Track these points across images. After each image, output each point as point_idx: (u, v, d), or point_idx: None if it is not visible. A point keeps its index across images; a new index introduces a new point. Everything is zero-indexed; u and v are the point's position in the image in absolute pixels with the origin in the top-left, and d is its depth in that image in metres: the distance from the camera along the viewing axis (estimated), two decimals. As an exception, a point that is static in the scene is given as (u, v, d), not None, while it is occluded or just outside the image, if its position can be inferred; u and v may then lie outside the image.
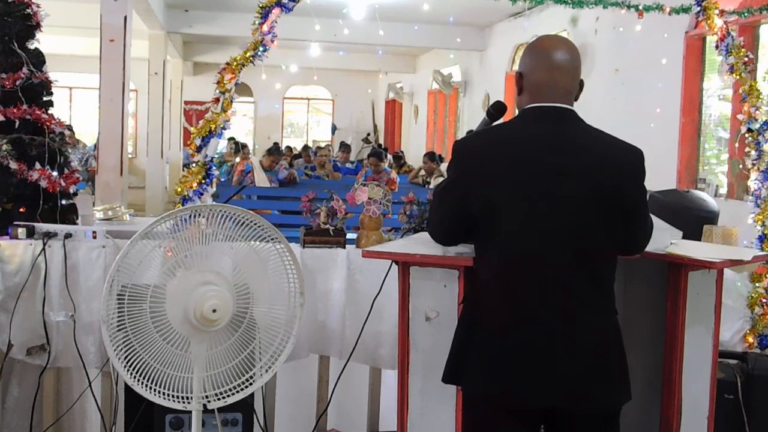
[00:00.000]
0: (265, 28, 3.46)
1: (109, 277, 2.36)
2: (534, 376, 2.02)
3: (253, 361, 2.52)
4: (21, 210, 3.38)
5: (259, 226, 2.47)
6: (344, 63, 16.47)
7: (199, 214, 2.46)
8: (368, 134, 20.32)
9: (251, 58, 3.45)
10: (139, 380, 2.41)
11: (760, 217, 3.71)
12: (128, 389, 2.48)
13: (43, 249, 3.15)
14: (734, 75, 3.83)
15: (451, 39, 13.00)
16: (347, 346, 3.32)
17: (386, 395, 3.52)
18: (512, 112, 2.28)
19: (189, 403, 2.45)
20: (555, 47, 2.15)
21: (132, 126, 16.09)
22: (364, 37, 12.12)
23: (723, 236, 3.50)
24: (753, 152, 3.78)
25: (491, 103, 2.53)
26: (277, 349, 2.53)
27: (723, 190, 7.28)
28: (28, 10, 3.50)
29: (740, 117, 3.84)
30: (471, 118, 14.05)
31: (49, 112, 3.55)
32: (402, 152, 15.32)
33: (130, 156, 13.83)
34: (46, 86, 3.56)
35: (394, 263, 2.48)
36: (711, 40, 4.05)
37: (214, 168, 3.46)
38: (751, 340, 3.63)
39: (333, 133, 20.61)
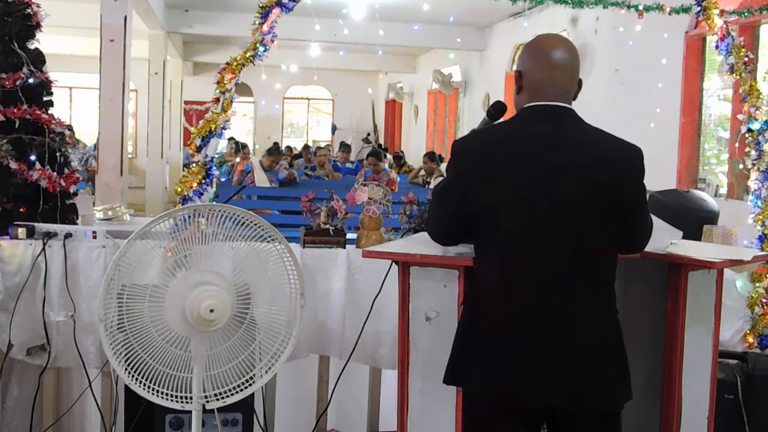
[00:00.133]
0: (265, 28, 3.46)
1: (106, 277, 2.36)
2: (534, 376, 2.01)
3: (253, 361, 2.52)
4: (21, 210, 3.38)
5: (258, 227, 2.47)
6: (344, 63, 16.46)
7: (200, 214, 2.46)
8: (368, 134, 20.31)
9: (251, 58, 3.45)
10: (138, 380, 2.41)
11: (760, 217, 3.71)
12: (128, 389, 2.48)
13: (43, 249, 3.15)
14: (734, 75, 3.83)
15: (451, 39, 12.99)
16: (347, 346, 3.32)
17: (386, 395, 3.52)
18: (512, 112, 2.27)
19: (188, 403, 2.45)
20: (554, 46, 2.15)
21: (132, 126, 16.09)
22: (364, 37, 12.11)
23: (723, 236, 3.50)
24: (753, 152, 3.78)
25: (491, 103, 2.53)
26: (278, 350, 2.53)
27: (723, 190, 7.28)
28: (28, 10, 3.51)
29: (740, 117, 3.84)
30: (471, 118, 14.05)
31: (49, 112, 3.55)
32: (402, 152, 15.33)
33: (130, 156, 13.82)
34: (46, 86, 3.56)
35: (394, 263, 2.48)
36: (711, 40, 4.05)
37: (214, 168, 3.46)
38: (751, 340, 3.63)
39: (333, 133, 20.61)
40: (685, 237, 2.88)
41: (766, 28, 6.93)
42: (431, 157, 10.96)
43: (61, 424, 3.33)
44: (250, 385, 2.53)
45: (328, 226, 3.44)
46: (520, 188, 2.04)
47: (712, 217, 3.71)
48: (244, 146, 12.12)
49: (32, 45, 3.56)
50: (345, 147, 14.22)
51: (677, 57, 7.69)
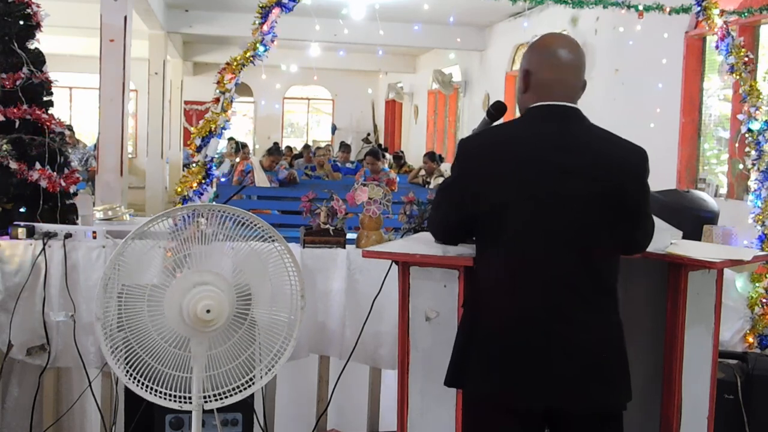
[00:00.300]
0: (265, 28, 3.46)
1: (104, 276, 2.36)
2: (532, 375, 2.02)
3: (253, 362, 2.52)
4: (21, 210, 3.38)
5: (258, 227, 2.47)
6: (344, 63, 16.46)
7: (199, 214, 2.46)
8: (368, 134, 20.31)
9: (251, 58, 3.45)
10: (138, 380, 2.41)
11: (760, 217, 3.71)
12: (128, 389, 2.48)
13: (43, 249, 3.15)
14: (734, 75, 3.83)
15: (451, 39, 12.99)
16: (347, 346, 3.32)
17: (386, 395, 3.52)
18: (512, 111, 2.27)
19: (187, 403, 2.45)
20: (561, 46, 2.15)
21: (132, 126, 16.09)
22: (364, 37, 12.11)
23: (723, 236, 3.50)
24: (753, 152, 3.78)
25: (491, 103, 2.53)
26: (278, 351, 2.53)
27: (723, 190, 7.28)
28: (28, 10, 3.51)
29: (740, 117, 3.84)
30: (471, 118, 14.05)
31: (49, 112, 3.55)
32: (402, 152, 15.33)
33: (130, 156, 13.84)
34: (46, 86, 3.56)
35: (394, 263, 2.48)
36: (711, 40, 4.05)
37: (214, 168, 3.46)
38: (751, 340, 3.63)
39: (333, 133, 20.61)
40: (685, 237, 2.88)
41: (766, 28, 6.93)
42: (431, 157, 10.96)
43: (61, 424, 3.33)
44: (250, 385, 2.53)
45: (328, 226, 3.44)
46: (526, 188, 2.03)
47: (712, 217, 3.71)
48: (244, 146, 12.12)
49: (32, 45, 3.56)
50: (345, 147, 14.22)
51: (677, 57, 7.69)
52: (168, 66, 13.61)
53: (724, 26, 3.83)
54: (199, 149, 3.40)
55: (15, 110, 3.40)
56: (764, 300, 3.65)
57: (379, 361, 3.43)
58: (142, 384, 2.43)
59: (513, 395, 2.04)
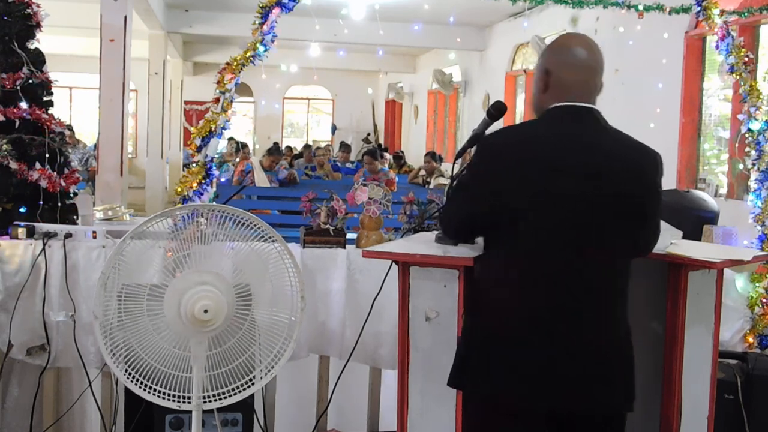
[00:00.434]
0: (265, 28, 3.46)
1: (102, 275, 2.36)
2: (536, 376, 2.01)
3: (253, 363, 2.52)
4: (21, 210, 3.38)
5: (257, 227, 2.47)
6: (344, 63, 16.45)
7: (199, 214, 2.46)
8: (368, 134, 20.31)
9: (251, 58, 3.45)
10: (137, 380, 2.42)
11: (760, 217, 3.71)
12: (128, 389, 2.48)
13: (43, 249, 3.15)
14: (734, 75, 3.83)
15: (451, 39, 12.99)
16: (347, 346, 3.32)
17: (386, 395, 3.51)
18: (512, 111, 2.27)
19: (186, 403, 2.45)
20: (582, 46, 2.15)
21: (132, 126, 16.09)
22: (364, 37, 12.12)
23: (723, 236, 3.50)
24: (753, 152, 3.78)
25: (491, 103, 2.53)
26: (278, 353, 2.53)
27: (723, 190, 7.28)
28: (28, 10, 3.51)
29: (740, 117, 3.84)
30: (471, 118, 14.05)
31: (49, 112, 3.55)
32: (402, 152, 15.33)
33: (130, 156, 13.83)
34: (46, 86, 3.56)
35: (394, 263, 2.48)
36: (711, 40, 4.05)
37: (214, 168, 3.46)
38: (751, 340, 3.63)
39: (333, 133, 20.61)
40: (685, 237, 2.88)
41: (766, 28, 6.92)
42: (433, 156, 10.96)
43: (61, 424, 3.33)
44: (250, 386, 2.53)
45: (328, 226, 3.44)
46: (545, 190, 2.02)
47: (712, 217, 3.71)
48: (245, 146, 12.13)
49: (32, 45, 3.56)
50: (345, 147, 14.21)
51: (677, 57, 7.69)
52: (168, 66, 13.61)
53: (724, 26, 3.83)
54: (199, 149, 3.40)
55: (15, 110, 3.40)
56: (764, 300, 3.64)
57: (379, 361, 3.43)
58: (142, 384, 2.43)
59: (517, 396, 2.03)
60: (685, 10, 4.56)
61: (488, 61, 13.54)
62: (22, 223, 3.23)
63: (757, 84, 3.80)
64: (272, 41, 3.49)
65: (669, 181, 7.43)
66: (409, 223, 3.52)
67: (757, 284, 3.67)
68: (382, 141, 20.07)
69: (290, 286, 2.52)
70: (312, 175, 10.99)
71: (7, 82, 3.42)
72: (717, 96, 7.65)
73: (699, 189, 7.01)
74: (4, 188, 3.37)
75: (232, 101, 3.45)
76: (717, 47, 3.88)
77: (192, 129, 4.08)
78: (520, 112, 12.39)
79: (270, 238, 2.48)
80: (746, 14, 5.33)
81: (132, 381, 2.43)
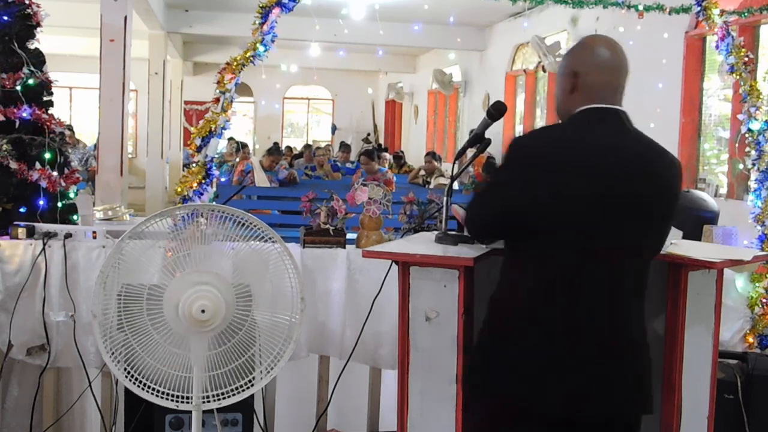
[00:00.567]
0: (265, 28, 3.46)
1: (100, 274, 2.36)
2: (566, 382, 2.01)
3: (253, 363, 2.52)
4: (21, 210, 3.38)
5: (256, 227, 2.47)
6: (344, 63, 16.46)
7: (199, 214, 2.46)
8: (368, 134, 20.32)
9: (251, 58, 3.45)
10: (137, 379, 2.42)
11: (760, 217, 3.71)
12: (128, 389, 2.48)
13: (43, 249, 3.15)
14: (734, 75, 3.83)
15: (451, 39, 13.00)
16: (347, 346, 3.32)
17: (386, 395, 3.52)
18: (512, 111, 2.27)
19: (186, 403, 2.45)
20: (609, 48, 2.15)
21: (132, 126, 16.09)
22: (364, 37, 12.12)
23: (723, 236, 3.50)
24: (753, 152, 3.78)
25: (491, 103, 2.53)
26: (278, 353, 2.53)
27: (723, 190, 7.28)
28: (28, 10, 3.51)
29: (740, 117, 3.84)
30: (471, 118, 14.06)
31: (49, 112, 3.55)
32: (402, 152, 15.33)
33: (130, 156, 13.83)
34: (46, 86, 3.56)
35: (394, 263, 2.48)
36: (711, 40, 4.05)
37: (214, 168, 3.46)
38: (751, 340, 3.63)
39: (333, 133, 20.62)
40: (685, 237, 2.88)
41: (766, 28, 6.93)
42: (434, 156, 10.96)
43: (61, 424, 3.33)
44: (250, 386, 2.53)
45: (328, 226, 3.44)
46: (581, 192, 2.01)
47: (712, 217, 3.71)
48: (245, 146, 12.15)
49: (32, 45, 3.56)
50: (345, 147, 14.22)
51: (677, 57, 7.69)
52: (168, 66, 13.61)
53: (724, 26, 3.83)
54: (199, 149, 3.40)
55: (15, 110, 3.40)
56: (764, 300, 3.65)
57: (379, 361, 3.43)
58: (142, 384, 2.43)
59: (546, 403, 2.02)
60: (685, 10, 4.56)
61: (488, 61, 13.54)
62: (22, 223, 3.23)
63: (757, 84, 3.81)
64: (272, 41, 3.49)
65: (669, 181, 7.45)
66: (409, 223, 3.52)
67: (757, 284, 3.67)
68: (382, 141, 20.07)
69: (290, 287, 2.52)
70: (312, 175, 10.99)
71: (7, 82, 3.42)
72: (717, 96, 7.65)
73: (699, 189, 7.01)
74: (4, 188, 3.37)
75: (232, 101, 3.45)
76: (717, 47, 3.88)
77: (192, 129, 4.08)
78: (520, 112, 12.39)
79: (270, 239, 2.48)
80: (746, 14, 5.34)
81: (132, 381, 2.43)
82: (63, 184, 3.48)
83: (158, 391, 2.44)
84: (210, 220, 2.45)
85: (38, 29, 3.57)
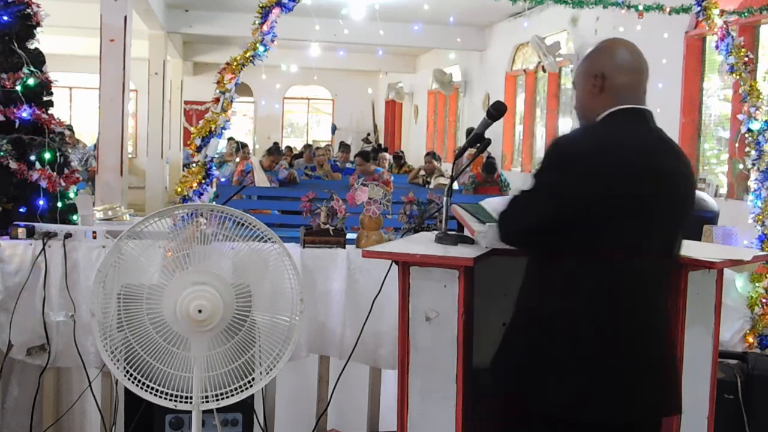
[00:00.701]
0: (265, 28, 3.46)
1: (100, 272, 2.36)
2: (621, 389, 2.02)
3: (253, 363, 2.52)
4: (21, 210, 3.38)
5: (254, 227, 2.47)
6: (344, 63, 16.46)
7: (199, 214, 2.46)
8: (368, 134, 20.32)
9: (251, 58, 3.45)
10: (136, 378, 2.42)
11: (760, 217, 3.71)
12: (128, 389, 2.48)
13: (43, 249, 3.15)
14: (734, 75, 3.83)
15: (451, 39, 13.00)
16: (347, 346, 3.32)
17: (386, 395, 3.51)
18: (512, 112, 2.27)
19: (186, 403, 2.45)
20: (632, 50, 2.17)
21: (132, 126, 16.09)
22: (364, 37, 12.12)
23: (723, 236, 3.50)
24: (753, 152, 3.78)
25: (491, 103, 2.53)
26: (278, 354, 2.53)
27: (723, 190, 7.28)
28: (28, 10, 3.51)
29: (740, 117, 3.84)
30: (471, 118, 14.06)
31: (49, 112, 3.55)
32: (402, 152, 15.33)
33: (130, 156, 13.82)
34: (46, 86, 3.56)
35: (394, 263, 2.48)
36: (711, 40, 4.04)
37: (214, 168, 3.46)
38: (751, 340, 3.63)
39: (333, 133, 20.62)
40: (685, 237, 2.88)
41: (766, 28, 6.93)
42: (434, 156, 10.96)
43: (61, 424, 3.32)
44: (250, 386, 2.53)
45: (328, 226, 3.44)
46: (628, 193, 2.01)
47: (712, 217, 3.71)
48: (245, 146, 12.17)
49: (32, 45, 3.56)
50: (344, 147, 14.21)
51: (677, 57, 7.69)
52: (168, 66, 13.61)
53: (724, 26, 3.83)
54: (199, 149, 3.40)
55: (15, 110, 3.40)
56: (764, 300, 3.64)
57: (379, 361, 3.43)
58: (141, 383, 2.43)
59: (600, 411, 2.02)
60: (685, 10, 4.56)
61: (488, 61, 13.54)
62: (22, 223, 3.23)
63: (757, 84, 3.81)
64: (272, 41, 3.49)
65: (669, 181, 7.45)
66: (409, 223, 3.52)
67: (757, 284, 3.67)
68: (382, 141, 20.07)
69: (290, 288, 2.52)
70: (312, 175, 10.99)
71: (7, 82, 3.42)
72: (717, 96, 7.65)
73: (699, 189, 6.99)
74: (4, 188, 3.37)
75: (232, 101, 3.45)
76: (717, 47, 3.88)
77: (192, 129, 4.08)
78: (520, 112, 12.39)
79: (269, 239, 2.48)
80: (746, 14, 5.34)
81: (131, 381, 2.43)
82: (63, 184, 3.48)
83: (158, 391, 2.44)
84: (209, 220, 2.45)
85: (38, 29, 3.57)
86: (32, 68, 3.48)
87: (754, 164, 3.77)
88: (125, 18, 7.31)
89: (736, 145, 5.90)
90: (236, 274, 2.49)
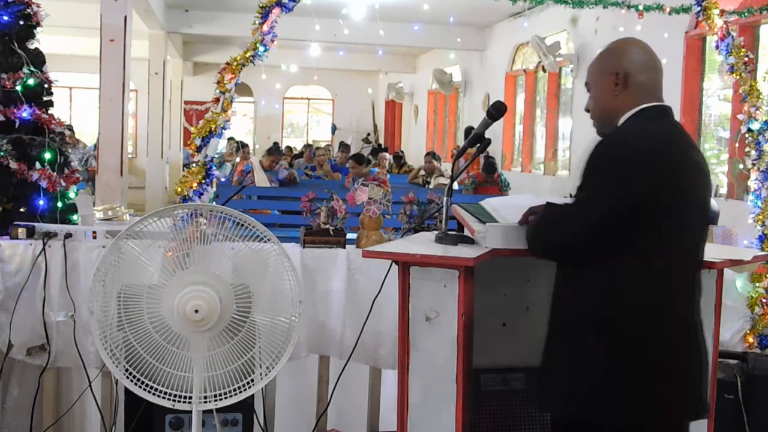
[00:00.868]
0: (265, 28, 3.46)
1: (98, 271, 2.36)
2: (679, 394, 2.03)
3: (253, 364, 2.52)
4: (21, 210, 3.38)
5: (253, 228, 2.47)
6: (344, 63, 16.47)
7: (201, 214, 2.46)
8: (368, 134, 20.32)
9: (251, 58, 3.45)
10: (136, 378, 2.42)
11: (760, 217, 3.71)
12: (129, 389, 2.48)
13: (43, 249, 3.15)
14: (734, 75, 3.82)
15: (451, 39, 13.00)
16: (347, 346, 3.32)
17: (386, 395, 3.51)
18: (512, 112, 2.27)
19: (186, 403, 2.45)
20: (647, 49, 2.18)
21: (132, 126, 16.09)
22: (364, 37, 12.12)
23: (723, 236, 3.50)
24: (753, 152, 3.78)
25: (491, 103, 2.53)
26: (277, 355, 2.53)
27: (723, 190, 7.28)
28: (28, 10, 3.51)
29: (740, 117, 3.84)
30: (471, 118, 14.06)
31: (49, 112, 3.55)
32: (402, 152, 15.34)
33: (130, 156, 13.82)
34: (46, 86, 3.56)
35: (394, 263, 2.48)
36: (711, 40, 4.05)
37: (214, 168, 3.46)
38: (751, 340, 3.63)
39: (333, 133, 20.62)
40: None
41: (766, 28, 6.93)
42: (434, 156, 10.96)
43: (61, 424, 3.32)
44: (250, 387, 2.52)
45: (328, 226, 3.44)
46: (677, 190, 2.01)
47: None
48: (245, 146, 12.17)
49: (32, 45, 3.56)
50: (344, 147, 14.20)
51: (677, 57, 7.69)
52: (168, 66, 13.61)
53: (724, 26, 3.83)
54: (199, 149, 3.40)
55: (15, 110, 3.40)
56: (764, 300, 3.64)
57: (379, 361, 3.43)
58: (141, 383, 2.43)
59: (675, 414, 2.04)
60: (685, 10, 4.56)
61: (488, 61, 13.54)
62: (22, 223, 3.23)
63: (757, 84, 3.81)
64: (272, 41, 3.48)
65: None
66: (409, 223, 3.52)
67: (757, 284, 3.67)
68: (382, 141, 20.07)
69: (290, 289, 2.52)
70: (312, 175, 10.99)
71: (7, 82, 3.42)
72: (717, 96, 7.66)
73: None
74: (4, 188, 3.37)
75: (232, 101, 3.45)
76: (717, 47, 3.88)
77: (192, 129, 4.08)
78: (520, 112, 12.39)
79: (268, 240, 2.48)
80: (746, 14, 5.34)
81: (131, 381, 2.43)
82: (63, 184, 3.48)
83: (158, 391, 2.44)
84: (210, 221, 2.45)
85: (38, 29, 3.56)
86: (32, 68, 3.48)
87: (754, 164, 3.77)
88: (125, 18, 7.32)
89: (736, 145, 5.90)
90: (236, 274, 2.49)
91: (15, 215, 3.35)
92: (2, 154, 3.34)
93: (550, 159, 11.31)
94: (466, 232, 2.57)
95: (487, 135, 2.55)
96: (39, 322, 3.14)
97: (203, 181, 3.39)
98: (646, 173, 1.97)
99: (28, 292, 3.14)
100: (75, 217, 3.48)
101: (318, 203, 3.49)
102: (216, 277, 2.42)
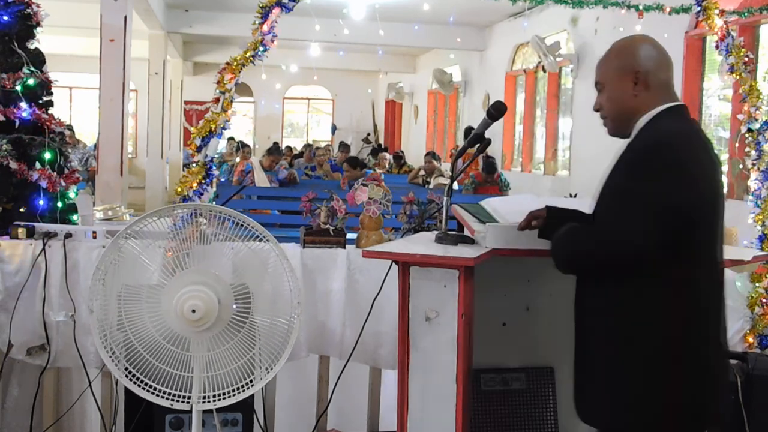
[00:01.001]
0: (265, 28, 3.45)
1: (98, 270, 2.36)
2: (707, 405, 2.01)
3: (253, 364, 2.52)
4: (21, 210, 3.38)
5: (251, 228, 2.47)
6: (344, 63, 16.48)
7: (201, 214, 2.46)
8: (368, 134, 20.32)
9: (251, 58, 3.45)
10: (136, 377, 2.42)
11: (760, 217, 3.71)
12: (128, 389, 2.48)
13: (43, 249, 3.15)
14: (734, 75, 3.82)
15: (451, 39, 13.01)
16: (347, 346, 3.32)
17: (386, 395, 3.51)
18: (512, 112, 2.27)
19: (186, 402, 2.45)
20: (661, 45, 2.15)
21: (132, 126, 16.10)
22: (364, 37, 12.13)
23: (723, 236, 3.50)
24: (753, 152, 3.77)
25: (491, 103, 2.53)
26: (276, 355, 2.53)
27: (723, 190, 7.27)
28: (28, 10, 3.51)
29: (740, 117, 3.84)
30: (471, 118, 14.06)
31: (49, 112, 3.55)
32: (402, 152, 15.35)
33: (130, 156, 13.83)
34: (46, 86, 3.56)
35: (394, 263, 2.48)
36: (711, 40, 4.04)
37: (214, 168, 3.46)
38: (751, 340, 3.63)
39: (333, 133, 20.62)
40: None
41: (766, 28, 6.93)
42: (434, 156, 10.96)
43: (61, 424, 3.32)
44: (250, 387, 2.52)
45: (328, 226, 3.44)
46: (715, 194, 2.00)
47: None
48: (245, 146, 12.17)
49: (32, 45, 3.56)
50: (344, 147, 14.21)
51: (677, 57, 7.69)
52: (168, 66, 13.62)
53: (724, 26, 3.83)
54: (199, 149, 3.40)
55: (15, 110, 3.40)
56: (764, 300, 3.64)
57: (379, 361, 3.43)
58: (141, 382, 2.43)
59: (701, 425, 2.02)
60: (685, 10, 4.56)
61: (488, 61, 13.54)
62: (22, 223, 3.23)
63: (757, 84, 3.80)
64: (272, 41, 3.48)
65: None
66: (409, 223, 3.52)
67: (757, 284, 3.67)
68: (382, 141, 20.08)
69: (289, 291, 2.52)
70: (312, 175, 10.99)
71: (7, 82, 3.42)
72: (717, 96, 7.65)
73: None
74: (4, 188, 3.37)
75: (232, 101, 3.45)
76: (717, 47, 3.88)
77: (192, 129, 4.08)
78: (520, 112, 12.39)
79: (266, 241, 2.48)
80: (746, 14, 5.34)
81: (131, 380, 2.43)
82: (63, 184, 3.48)
83: (158, 391, 2.44)
84: (210, 221, 2.45)
85: (38, 29, 3.57)
86: (32, 68, 3.48)
87: (754, 164, 3.77)
88: (125, 18, 7.32)
89: (736, 145, 5.90)
90: (236, 274, 2.49)
91: (15, 215, 3.35)
92: (2, 154, 3.34)
93: (550, 159, 11.31)
94: (466, 232, 2.57)
95: (487, 135, 2.55)
96: (39, 322, 3.14)
97: (203, 181, 3.39)
98: (701, 178, 1.94)
99: (28, 292, 3.14)
100: (75, 217, 3.48)
101: (318, 203, 3.49)
102: (215, 277, 2.42)
